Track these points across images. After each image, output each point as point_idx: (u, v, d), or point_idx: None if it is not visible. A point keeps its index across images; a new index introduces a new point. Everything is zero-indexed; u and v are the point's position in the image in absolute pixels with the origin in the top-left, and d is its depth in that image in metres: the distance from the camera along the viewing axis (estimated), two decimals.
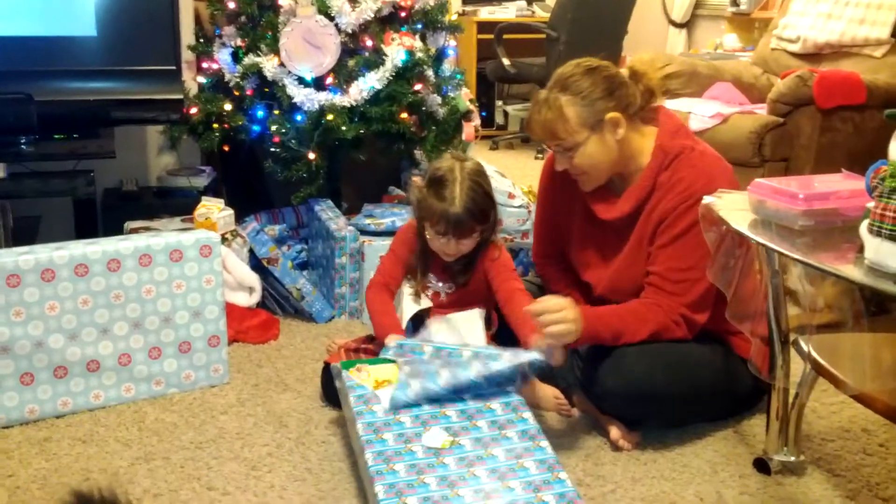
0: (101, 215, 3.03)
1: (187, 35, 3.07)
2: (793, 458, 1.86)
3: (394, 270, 2.15)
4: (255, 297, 2.65)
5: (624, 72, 2.00)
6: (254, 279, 2.65)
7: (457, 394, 1.78)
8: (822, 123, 3.05)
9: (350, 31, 2.82)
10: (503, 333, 2.10)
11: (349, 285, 2.72)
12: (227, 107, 2.91)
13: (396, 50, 2.82)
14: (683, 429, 2.03)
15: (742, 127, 3.19)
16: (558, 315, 1.83)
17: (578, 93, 1.93)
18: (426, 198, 2.02)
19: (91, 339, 2.09)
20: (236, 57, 2.96)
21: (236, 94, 2.93)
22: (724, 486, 1.83)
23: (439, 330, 2.02)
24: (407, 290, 2.15)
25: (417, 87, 2.87)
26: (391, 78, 2.80)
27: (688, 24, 5.91)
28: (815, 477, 1.86)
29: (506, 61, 5.24)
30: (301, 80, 2.80)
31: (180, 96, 2.85)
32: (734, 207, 1.74)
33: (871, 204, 1.42)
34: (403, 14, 2.95)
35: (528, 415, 1.76)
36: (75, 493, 1.32)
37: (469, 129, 3.17)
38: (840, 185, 1.67)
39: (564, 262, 2.26)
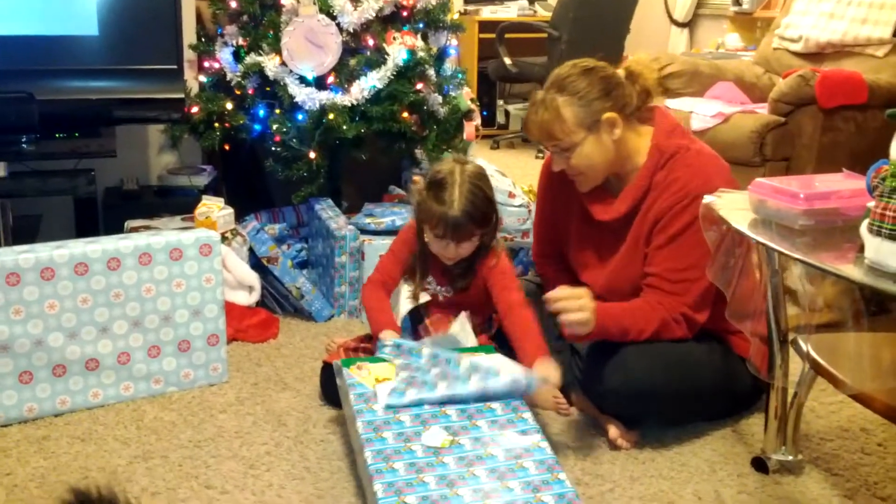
0: (101, 214, 3.03)
1: (189, 34, 3.07)
2: (791, 458, 1.86)
3: (392, 270, 2.14)
4: (255, 296, 2.66)
5: (620, 72, 2.00)
6: (253, 278, 2.66)
7: (452, 403, 1.78)
8: (824, 123, 3.05)
9: (352, 31, 2.82)
10: (502, 334, 2.09)
11: (349, 284, 2.72)
12: (229, 106, 2.91)
13: (398, 49, 2.82)
14: (682, 428, 2.03)
15: (743, 126, 3.18)
16: (578, 303, 1.82)
17: (575, 93, 1.93)
18: (425, 200, 2.02)
19: (90, 337, 2.09)
20: (238, 56, 2.96)
21: (237, 93, 2.93)
22: (723, 484, 1.83)
23: (434, 342, 2.01)
24: (405, 291, 2.14)
25: (419, 86, 2.87)
26: (392, 77, 2.80)
27: (690, 24, 5.90)
28: (813, 476, 1.86)
29: (507, 61, 5.24)
30: (302, 80, 2.80)
31: (181, 95, 2.85)
32: (734, 207, 1.74)
33: (871, 203, 1.42)
34: (405, 13, 2.95)
35: (527, 415, 1.76)
36: (75, 490, 1.32)
37: (470, 128, 3.17)
38: (841, 185, 1.67)
39: (564, 261, 2.26)
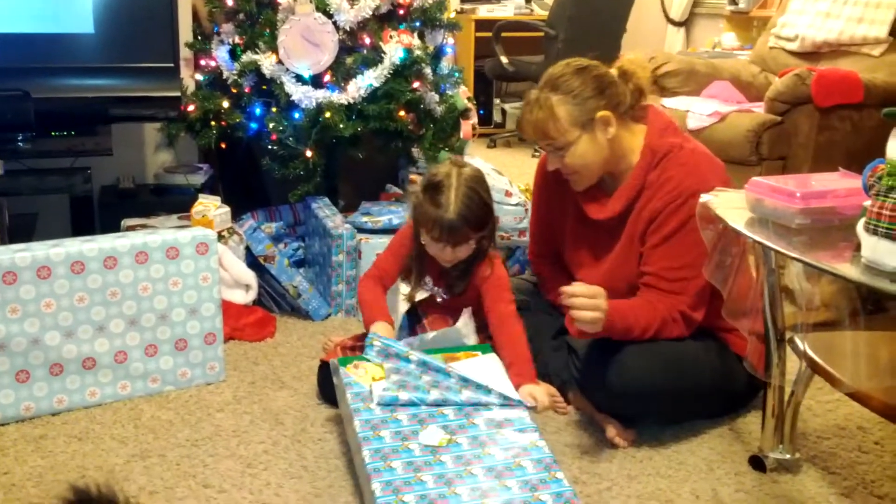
0: (98, 213, 3.02)
1: (185, 32, 3.06)
2: (788, 456, 1.86)
3: (390, 267, 2.14)
4: (252, 295, 2.65)
5: (613, 71, 2.01)
6: (250, 277, 2.65)
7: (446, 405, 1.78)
8: (820, 122, 3.05)
9: (348, 29, 2.82)
10: None
11: (346, 283, 2.72)
12: (225, 104, 2.91)
13: (395, 48, 2.81)
14: (679, 426, 2.03)
15: (740, 125, 3.18)
16: (593, 302, 1.81)
17: (569, 92, 1.93)
18: (422, 203, 2.01)
19: (87, 336, 2.09)
20: (234, 54, 2.95)
21: (234, 91, 2.93)
22: (720, 483, 1.83)
23: (434, 340, 2.01)
24: (402, 291, 2.14)
25: (415, 84, 2.87)
26: (389, 76, 2.80)
27: (686, 23, 5.91)
28: (810, 474, 1.86)
29: (504, 59, 5.24)
30: (299, 78, 2.80)
31: (178, 93, 2.85)
32: (731, 206, 1.74)
33: (867, 202, 1.42)
34: (402, 12, 2.95)
35: (525, 414, 1.76)
36: (74, 489, 1.32)
37: (466, 127, 3.17)
38: (837, 184, 1.67)
39: (560, 260, 2.26)
